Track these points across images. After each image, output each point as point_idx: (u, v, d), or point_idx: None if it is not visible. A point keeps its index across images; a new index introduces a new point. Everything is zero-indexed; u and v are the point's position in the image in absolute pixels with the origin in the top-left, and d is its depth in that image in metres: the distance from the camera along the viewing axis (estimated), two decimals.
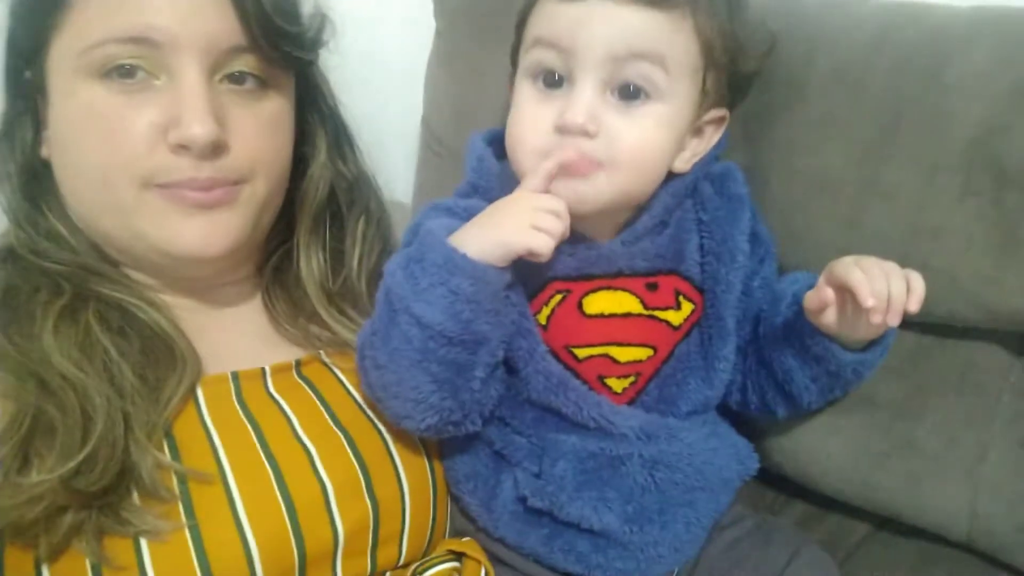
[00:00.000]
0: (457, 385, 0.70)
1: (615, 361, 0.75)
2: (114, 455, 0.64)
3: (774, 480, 0.92)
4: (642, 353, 0.76)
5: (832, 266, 0.71)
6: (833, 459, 0.84)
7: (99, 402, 0.66)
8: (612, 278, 0.76)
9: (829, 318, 0.71)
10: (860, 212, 0.78)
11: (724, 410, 0.84)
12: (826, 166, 0.79)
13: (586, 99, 0.69)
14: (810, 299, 0.72)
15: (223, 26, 0.71)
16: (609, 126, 0.69)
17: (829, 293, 0.70)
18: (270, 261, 0.85)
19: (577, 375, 0.75)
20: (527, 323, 0.73)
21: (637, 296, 0.76)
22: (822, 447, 0.85)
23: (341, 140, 0.89)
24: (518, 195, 0.71)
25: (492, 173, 0.78)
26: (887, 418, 0.82)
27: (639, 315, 0.76)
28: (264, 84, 0.75)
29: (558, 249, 0.71)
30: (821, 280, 0.71)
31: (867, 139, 0.77)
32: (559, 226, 0.69)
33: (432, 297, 0.67)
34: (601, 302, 0.75)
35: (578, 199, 0.71)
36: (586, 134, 0.69)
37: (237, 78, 0.73)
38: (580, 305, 0.75)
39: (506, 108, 0.85)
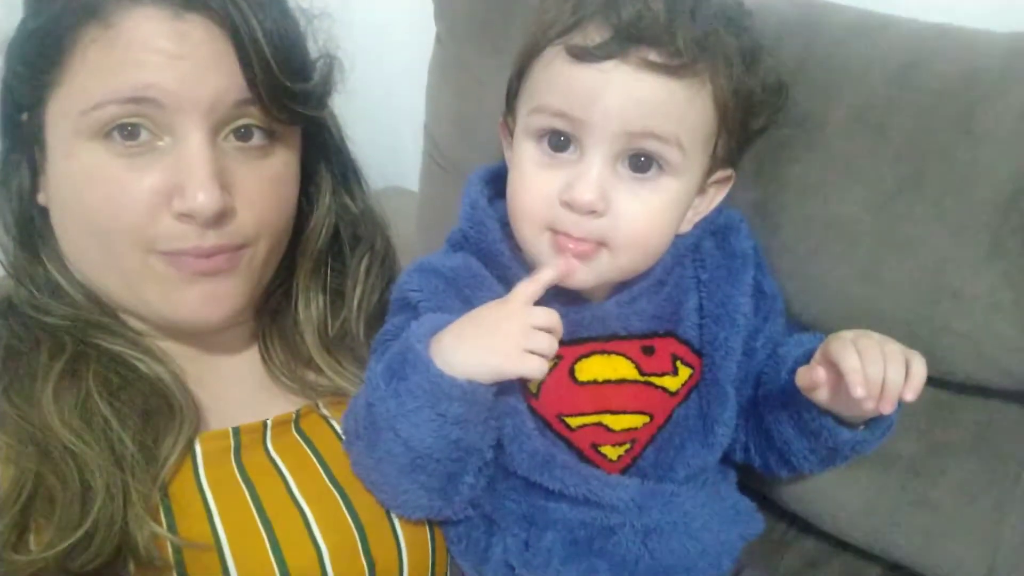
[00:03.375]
0: (447, 491, 0.69)
1: (609, 429, 0.72)
2: (112, 531, 0.64)
3: (784, 513, 0.90)
4: (638, 420, 0.73)
5: (829, 342, 0.67)
6: (845, 509, 0.82)
7: (99, 475, 0.65)
8: (605, 341, 0.72)
9: (821, 396, 0.68)
10: (877, 265, 0.73)
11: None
12: (843, 213, 0.74)
13: (596, 173, 0.65)
14: (801, 376, 0.68)
15: (228, 83, 0.69)
16: (618, 205, 0.66)
17: (820, 374, 0.66)
18: (268, 303, 0.83)
19: (569, 444, 0.72)
20: (515, 401, 0.71)
21: (632, 361, 0.72)
22: (834, 496, 0.82)
23: (348, 176, 0.87)
24: (511, 308, 0.67)
25: (483, 223, 0.74)
26: (902, 474, 0.79)
27: (634, 381, 0.72)
28: (271, 137, 0.73)
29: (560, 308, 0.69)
30: (816, 356, 0.68)
31: (888, 188, 0.72)
32: (554, 346, 0.66)
33: (419, 420, 0.65)
34: (594, 368, 0.72)
35: (576, 279, 0.68)
36: (594, 212, 0.66)
37: (243, 134, 0.71)
38: (572, 371, 0.72)
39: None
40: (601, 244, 0.67)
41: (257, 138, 0.72)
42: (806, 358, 0.71)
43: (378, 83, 1.17)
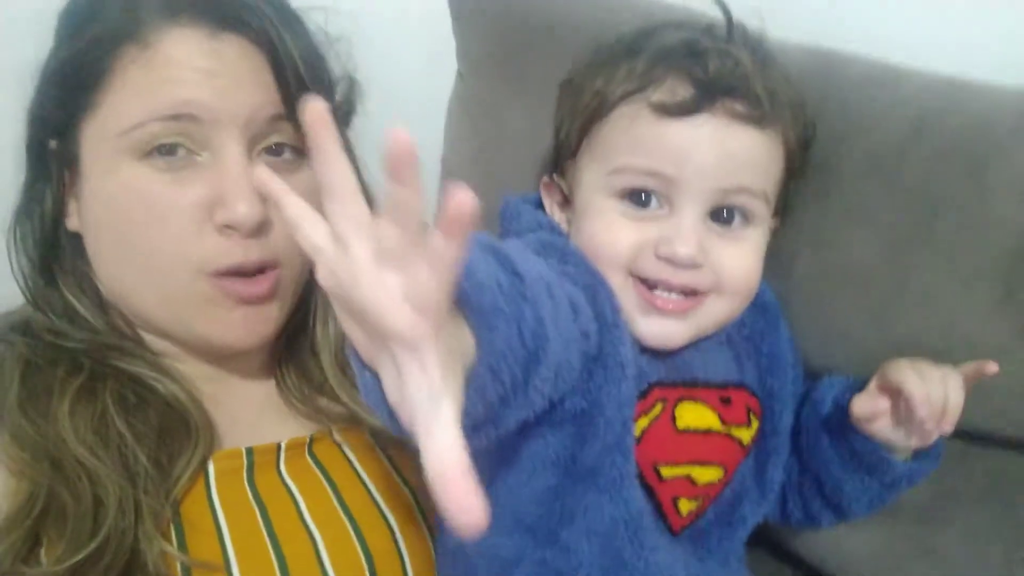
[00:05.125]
0: None
1: (693, 483, 0.69)
2: (122, 547, 0.64)
3: (790, 557, 0.89)
4: (716, 474, 0.70)
5: (885, 369, 0.67)
6: (852, 555, 0.81)
7: (112, 491, 0.66)
8: (690, 388, 0.70)
9: (879, 424, 0.68)
10: (890, 312, 0.74)
11: None
12: (856, 260, 0.75)
13: (691, 227, 0.65)
14: (860, 407, 0.68)
15: (263, 99, 0.71)
16: (715, 255, 0.66)
17: (884, 403, 0.67)
18: (285, 328, 0.84)
19: (652, 496, 0.68)
20: (630, 438, 0.65)
21: (715, 411, 0.70)
22: (841, 542, 0.82)
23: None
24: None
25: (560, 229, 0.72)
26: (910, 522, 0.79)
27: (718, 432, 0.70)
28: (300, 154, 0.75)
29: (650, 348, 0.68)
30: (873, 385, 0.68)
31: (901, 236, 0.73)
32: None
33: None
34: (690, 415, 0.69)
35: (676, 337, 0.68)
36: (695, 266, 0.65)
37: (275, 151, 0.74)
38: (673, 417, 0.69)
39: (527, 170, 0.82)
40: (703, 292, 0.67)
41: (287, 154, 0.74)
42: (844, 396, 0.71)
43: (396, 115, 1.19)
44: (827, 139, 0.76)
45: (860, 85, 0.78)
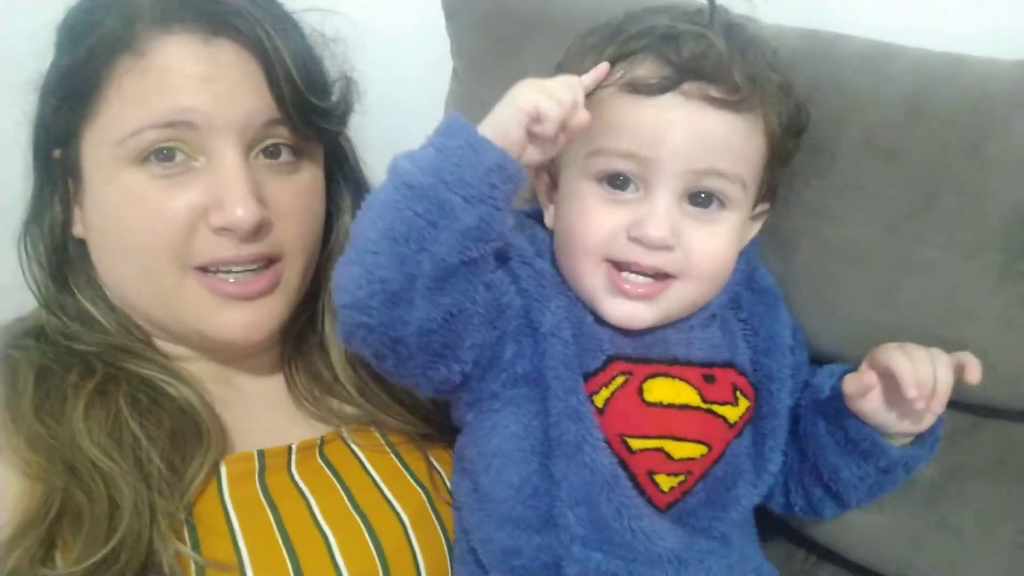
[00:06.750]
0: (404, 254, 0.61)
1: (669, 457, 0.70)
2: (138, 548, 0.65)
3: (804, 540, 0.89)
4: (696, 450, 0.71)
5: (875, 351, 0.68)
6: (865, 534, 0.81)
7: (127, 492, 0.66)
8: (669, 364, 0.71)
9: (871, 404, 0.69)
10: (893, 287, 0.74)
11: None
12: (857, 237, 0.75)
13: (665, 210, 0.66)
14: (851, 383, 0.69)
15: (259, 104, 0.72)
16: (688, 239, 0.67)
17: (872, 377, 0.67)
18: (293, 328, 0.85)
19: (626, 467, 0.69)
20: (579, 404, 0.67)
21: (695, 388, 0.71)
22: (855, 521, 0.81)
23: (363, 198, 0.89)
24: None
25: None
26: (923, 499, 0.78)
27: (697, 408, 0.71)
28: (298, 154, 0.76)
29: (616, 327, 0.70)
30: (864, 365, 0.69)
31: (900, 212, 0.73)
32: (569, 97, 0.62)
33: (421, 154, 0.62)
34: (661, 390, 0.70)
35: (639, 319, 0.69)
36: (667, 248, 0.66)
37: (272, 152, 0.74)
38: (641, 391, 0.70)
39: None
40: (671, 276, 0.68)
41: (285, 155, 0.75)
42: (841, 381, 0.71)
43: (393, 115, 1.19)
44: (824, 119, 0.77)
45: (855, 63, 0.78)
